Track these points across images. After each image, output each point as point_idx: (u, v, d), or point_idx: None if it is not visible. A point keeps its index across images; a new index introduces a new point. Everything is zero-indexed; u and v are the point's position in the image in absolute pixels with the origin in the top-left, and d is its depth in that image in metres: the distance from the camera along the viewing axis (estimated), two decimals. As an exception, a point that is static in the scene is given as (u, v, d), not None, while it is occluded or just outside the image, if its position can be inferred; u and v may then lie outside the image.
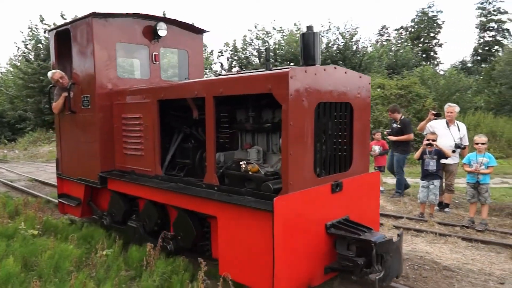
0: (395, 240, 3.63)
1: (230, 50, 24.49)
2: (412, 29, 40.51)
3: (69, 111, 5.93)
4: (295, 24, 25.25)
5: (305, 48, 3.72)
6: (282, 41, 22.73)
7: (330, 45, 23.28)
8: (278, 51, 22.20)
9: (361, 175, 4.34)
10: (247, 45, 23.33)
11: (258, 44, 23.25)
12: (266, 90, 3.52)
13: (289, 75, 3.35)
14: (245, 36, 24.46)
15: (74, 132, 6.04)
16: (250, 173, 4.04)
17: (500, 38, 37.05)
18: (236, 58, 23.73)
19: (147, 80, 5.95)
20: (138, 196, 5.13)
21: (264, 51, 22.33)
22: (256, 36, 23.06)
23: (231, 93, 3.88)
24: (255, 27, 26.70)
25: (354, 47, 23.44)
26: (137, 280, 4.29)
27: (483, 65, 35.37)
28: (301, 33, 3.76)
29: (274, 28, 23.45)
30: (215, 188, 4.07)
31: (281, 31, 23.21)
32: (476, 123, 17.72)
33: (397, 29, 41.11)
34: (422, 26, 39.99)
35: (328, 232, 3.78)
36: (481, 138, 6.54)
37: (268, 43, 22.87)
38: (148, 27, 5.89)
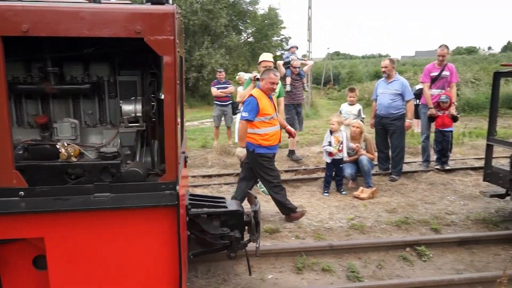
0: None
1: None
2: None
3: None
4: None
5: None
6: None
7: None
8: None
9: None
10: None
11: None
12: (131, 34, 2.35)
13: (175, 13, 2.39)
14: None
15: None
16: (74, 159, 2.69)
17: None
18: None
19: None
20: None
21: None
22: None
23: (50, 34, 2.31)
24: None
25: None
26: None
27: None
28: None
29: None
30: (21, 193, 2.43)
31: None
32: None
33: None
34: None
35: (190, 213, 3.16)
36: None
37: None
38: None
